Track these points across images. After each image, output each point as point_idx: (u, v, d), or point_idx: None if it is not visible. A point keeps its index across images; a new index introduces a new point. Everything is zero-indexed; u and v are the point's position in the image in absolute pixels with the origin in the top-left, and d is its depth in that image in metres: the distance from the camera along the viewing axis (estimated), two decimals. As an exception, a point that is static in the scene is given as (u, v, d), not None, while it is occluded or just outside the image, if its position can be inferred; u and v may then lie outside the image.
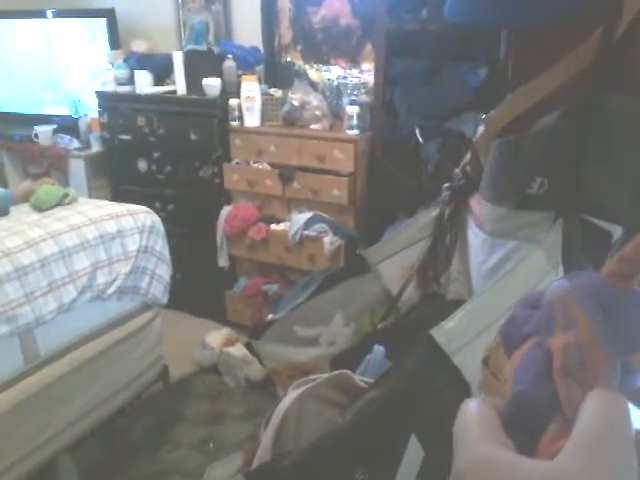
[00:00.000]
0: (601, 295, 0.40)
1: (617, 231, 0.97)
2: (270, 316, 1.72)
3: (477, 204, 1.17)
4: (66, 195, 2.59)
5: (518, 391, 0.41)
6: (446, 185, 1.28)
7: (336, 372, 1.02)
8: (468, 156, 1.25)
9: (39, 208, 2.51)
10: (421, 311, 1.28)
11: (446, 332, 0.95)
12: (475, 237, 1.21)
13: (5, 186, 3.94)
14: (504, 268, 1.07)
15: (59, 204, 2.55)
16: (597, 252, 0.92)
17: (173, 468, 2.61)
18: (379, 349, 1.11)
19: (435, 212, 1.32)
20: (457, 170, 1.26)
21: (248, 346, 1.39)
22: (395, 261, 1.34)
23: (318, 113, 3.21)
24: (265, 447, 0.99)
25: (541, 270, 0.98)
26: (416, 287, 1.34)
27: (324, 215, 3.18)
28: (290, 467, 0.90)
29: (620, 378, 0.39)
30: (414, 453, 0.88)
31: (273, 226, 3.32)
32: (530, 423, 0.39)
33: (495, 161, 1.09)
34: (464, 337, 0.94)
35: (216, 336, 3.34)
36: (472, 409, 0.41)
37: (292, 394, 1.01)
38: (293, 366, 1.31)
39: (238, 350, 3.11)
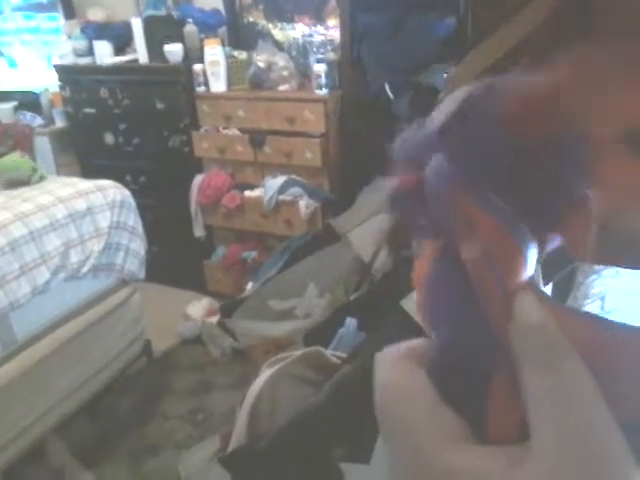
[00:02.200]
0: (498, 159, 0.29)
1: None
2: (249, 284, 1.70)
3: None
4: (35, 170, 2.52)
5: (442, 340, 0.31)
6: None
7: (308, 349, 1.00)
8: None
9: (9, 180, 2.45)
10: (394, 279, 1.26)
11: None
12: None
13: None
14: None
15: (27, 182, 2.48)
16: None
17: (164, 441, 2.62)
18: (351, 322, 1.09)
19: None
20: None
21: (221, 324, 1.37)
22: (365, 229, 1.32)
23: (285, 74, 3.14)
24: (240, 429, 0.98)
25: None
26: (388, 253, 1.31)
27: (298, 179, 3.14)
28: (266, 449, 0.89)
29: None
30: (391, 425, 0.87)
31: (247, 193, 3.27)
32: (469, 382, 0.30)
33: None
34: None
35: (197, 307, 3.32)
36: (393, 377, 0.31)
37: (265, 373, 0.99)
38: (269, 341, 1.30)
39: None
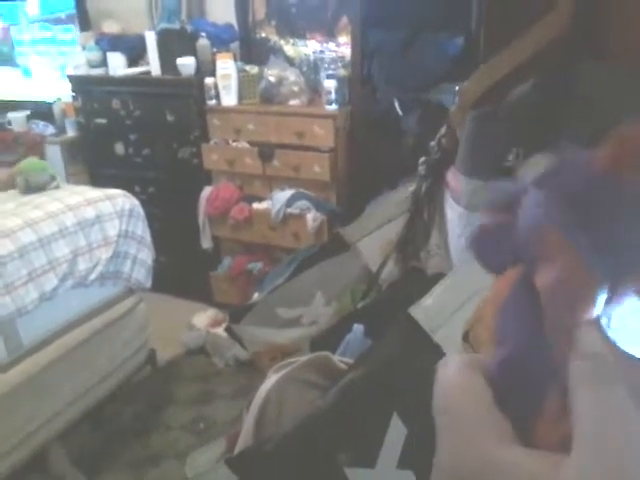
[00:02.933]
0: (587, 202, 0.32)
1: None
2: (255, 295, 1.71)
3: (453, 178, 1.16)
4: (53, 177, 2.56)
5: (505, 354, 0.35)
6: (422, 159, 1.26)
7: (315, 354, 1.01)
8: (444, 129, 1.23)
9: (28, 182, 2.48)
10: (401, 287, 1.27)
11: (425, 310, 0.95)
12: (452, 211, 1.20)
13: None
14: (482, 241, 1.06)
15: (43, 187, 2.52)
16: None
17: (165, 450, 2.61)
18: (358, 328, 1.10)
19: (412, 187, 1.31)
20: (433, 143, 1.24)
21: (229, 330, 1.38)
22: (374, 238, 1.33)
23: (296, 89, 3.17)
24: (247, 432, 0.98)
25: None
26: (396, 263, 1.32)
27: (306, 192, 3.16)
28: (272, 452, 0.89)
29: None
30: (397, 432, 0.88)
31: (255, 205, 3.29)
32: (524, 393, 0.33)
33: (470, 133, 1.08)
34: (443, 313, 0.93)
35: (202, 317, 3.33)
36: (455, 379, 0.34)
37: (272, 378, 1.00)
38: (275, 348, 1.31)
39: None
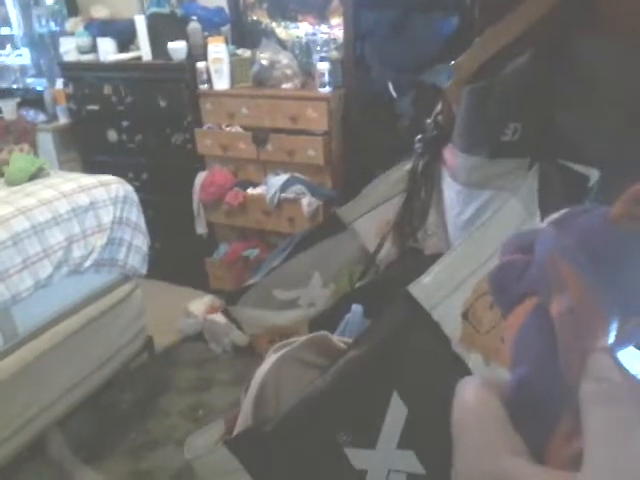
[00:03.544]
0: (600, 243, 0.35)
1: (594, 175, 0.95)
2: (251, 281, 1.70)
3: (451, 155, 1.14)
4: (41, 169, 2.53)
5: (520, 376, 0.37)
6: (418, 137, 1.25)
7: (314, 334, 1.00)
8: (439, 106, 1.21)
9: (11, 184, 2.45)
10: (399, 267, 1.26)
11: (424, 287, 0.94)
12: (450, 189, 1.19)
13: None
14: (480, 219, 1.05)
15: (33, 178, 2.49)
16: (575, 197, 0.90)
17: (164, 437, 2.61)
18: (357, 308, 1.09)
19: (408, 166, 1.29)
20: (429, 121, 1.23)
21: (226, 312, 1.37)
22: (371, 218, 1.32)
23: (288, 72, 3.14)
24: (245, 414, 0.97)
25: (518, 219, 0.96)
26: (393, 243, 1.31)
27: (301, 176, 3.14)
28: (271, 432, 0.89)
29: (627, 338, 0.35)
30: (397, 411, 0.87)
31: (250, 190, 3.27)
32: (538, 413, 0.35)
33: (467, 109, 1.06)
34: (442, 291, 0.92)
35: (199, 304, 3.32)
36: (471, 399, 0.36)
37: (270, 359, 0.99)
38: (273, 330, 1.30)
39: (222, 317, 3.10)
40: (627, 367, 0.33)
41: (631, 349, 0.37)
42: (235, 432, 0.99)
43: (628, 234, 0.35)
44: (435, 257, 1.08)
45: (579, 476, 0.30)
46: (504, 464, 0.33)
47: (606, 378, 0.32)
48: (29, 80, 4.30)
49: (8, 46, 4.29)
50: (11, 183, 2.46)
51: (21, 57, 4.28)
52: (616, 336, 0.35)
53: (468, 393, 0.37)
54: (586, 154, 0.94)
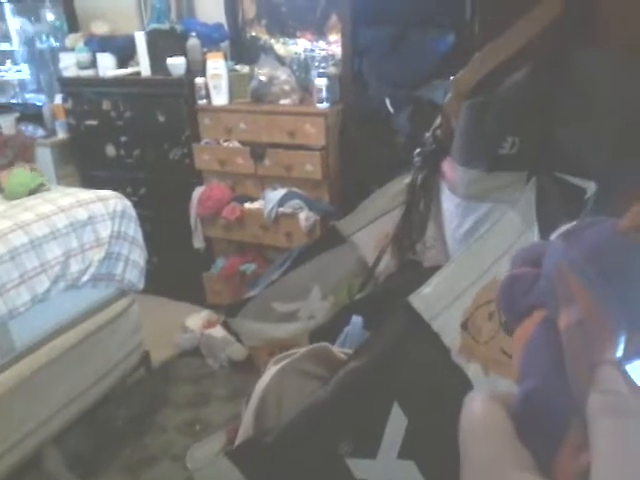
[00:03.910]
0: (608, 255, 0.35)
1: (591, 187, 0.96)
2: (250, 294, 1.70)
3: (450, 168, 1.15)
4: (42, 185, 2.54)
5: (528, 389, 0.37)
6: (417, 151, 1.26)
7: (315, 345, 1.01)
8: (438, 120, 1.23)
9: (10, 199, 2.46)
10: (398, 279, 1.27)
11: (423, 298, 0.94)
12: (449, 202, 1.20)
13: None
14: (479, 231, 1.06)
15: (33, 193, 2.50)
16: (572, 209, 0.91)
17: (161, 452, 2.60)
18: (357, 319, 1.10)
19: (407, 179, 1.30)
20: (428, 135, 1.24)
21: (225, 325, 1.37)
22: (369, 231, 1.33)
23: (287, 88, 3.17)
24: (247, 425, 0.97)
25: (515, 231, 0.97)
26: (392, 256, 1.32)
27: (298, 191, 3.15)
28: (272, 443, 0.89)
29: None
30: (397, 421, 0.88)
31: (247, 205, 3.28)
32: (545, 426, 0.35)
33: (465, 123, 1.08)
34: (442, 302, 0.93)
35: (196, 319, 3.31)
36: (479, 412, 0.37)
37: (271, 370, 0.99)
38: (273, 342, 1.30)
39: (219, 331, 3.08)
40: (634, 380, 0.34)
41: (638, 362, 0.36)
42: (236, 443, 0.99)
43: (637, 246, 0.35)
44: (434, 269, 1.09)
45: None
46: (510, 478, 0.33)
47: (613, 391, 0.32)
48: (28, 95, 4.32)
49: (8, 62, 4.31)
50: (11, 198, 2.47)
51: (20, 72, 4.30)
52: (624, 349, 0.34)
53: (476, 406, 0.37)
54: (583, 167, 0.96)
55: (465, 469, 0.35)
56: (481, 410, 0.37)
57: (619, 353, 0.34)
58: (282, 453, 0.90)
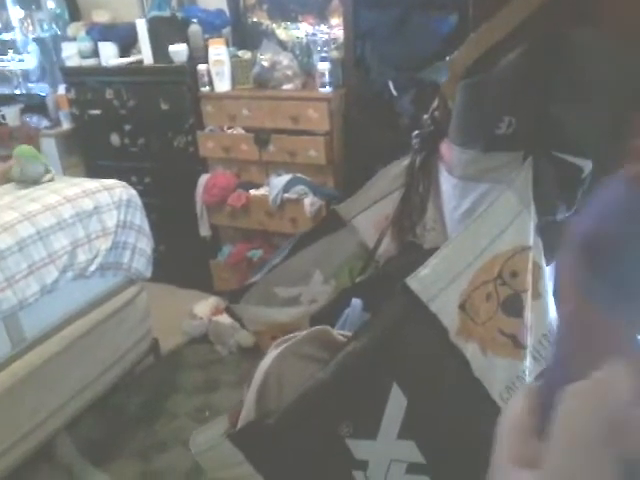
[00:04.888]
0: (621, 214, 0.35)
1: (588, 166, 0.96)
2: (252, 279, 1.71)
3: (447, 149, 1.15)
4: (48, 170, 2.56)
5: (540, 385, 0.38)
6: (415, 133, 1.26)
7: (314, 328, 1.01)
8: (436, 101, 1.22)
9: (23, 171, 2.48)
10: (398, 262, 1.28)
11: (421, 280, 0.95)
12: (447, 183, 1.20)
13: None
14: (477, 212, 1.06)
15: (38, 179, 2.51)
16: (569, 188, 0.91)
17: (172, 438, 2.63)
18: (357, 302, 1.10)
19: (406, 161, 1.30)
20: (426, 117, 1.24)
21: (228, 310, 1.38)
22: (369, 214, 1.33)
23: (289, 73, 3.16)
24: (248, 408, 0.99)
25: (512, 211, 0.97)
26: (392, 238, 1.33)
27: (303, 176, 3.15)
28: (274, 425, 0.90)
29: None
30: (397, 401, 0.89)
31: (252, 191, 3.28)
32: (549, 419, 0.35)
33: (461, 103, 1.08)
34: (439, 283, 0.94)
35: (204, 306, 3.33)
36: (513, 410, 0.38)
37: (272, 353, 1.00)
38: (275, 326, 1.31)
39: (227, 318, 3.09)
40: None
41: None
42: (239, 426, 1.01)
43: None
44: (434, 251, 1.09)
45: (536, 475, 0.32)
46: (508, 473, 0.34)
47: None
48: (31, 85, 4.33)
49: (10, 51, 4.31)
50: (28, 174, 2.49)
51: (23, 62, 4.31)
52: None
53: (512, 401, 0.39)
54: (579, 146, 0.96)
55: (494, 453, 0.37)
56: (512, 406, 0.38)
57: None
58: (283, 435, 0.92)
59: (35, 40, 4.18)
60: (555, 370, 0.37)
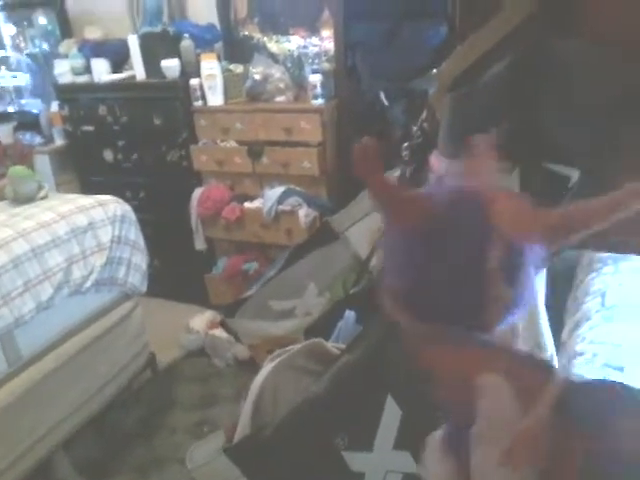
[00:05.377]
0: None
1: (574, 175, 0.97)
2: (247, 293, 1.72)
3: (436, 160, 1.16)
4: (41, 186, 2.56)
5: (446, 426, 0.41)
6: (405, 144, 1.27)
7: (308, 341, 1.02)
8: (425, 113, 1.24)
9: (17, 192, 2.49)
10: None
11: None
12: (438, 194, 1.20)
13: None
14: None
15: (33, 197, 2.52)
16: (555, 197, 0.92)
17: (170, 454, 2.61)
18: (350, 314, 1.11)
19: (397, 173, 1.32)
20: (415, 128, 1.25)
21: (223, 325, 1.38)
22: (362, 226, 1.34)
23: (281, 85, 3.17)
24: (244, 422, 0.99)
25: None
26: (385, 250, 1.33)
27: (297, 188, 3.16)
28: (269, 438, 0.90)
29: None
30: (392, 413, 0.89)
31: (247, 204, 3.29)
32: None
33: (449, 114, 1.09)
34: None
35: (200, 320, 3.33)
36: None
37: (267, 367, 1.00)
38: (270, 340, 1.32)
39: (223, 331, 3.10)
40: None
41: None
42: (235, 440, 1.01)
43: None
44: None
45: None
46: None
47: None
48: (24, 101, 4.33)
49: (3, 68, 4.32)
50: (21, 193, 2.49)
51: (16, 78, 4.32)
52: None
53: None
54: (566, 155, 0.97)
55: None
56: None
57: None
58: (279, 448, 0.92)
59: (27, 56, 4.20)
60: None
